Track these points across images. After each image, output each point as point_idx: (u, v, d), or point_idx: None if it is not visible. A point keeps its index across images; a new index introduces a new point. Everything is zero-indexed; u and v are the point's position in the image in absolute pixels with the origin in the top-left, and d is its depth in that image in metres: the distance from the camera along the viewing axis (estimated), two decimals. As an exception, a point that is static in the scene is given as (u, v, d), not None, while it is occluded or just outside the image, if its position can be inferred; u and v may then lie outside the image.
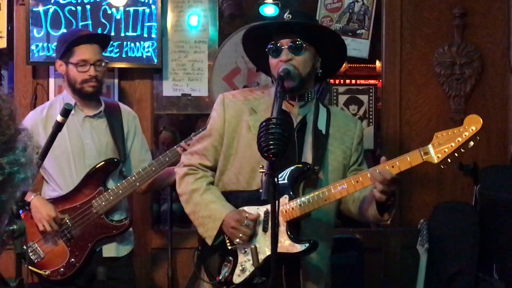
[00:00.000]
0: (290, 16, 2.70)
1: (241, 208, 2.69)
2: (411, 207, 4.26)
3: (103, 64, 3.36)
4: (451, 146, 2.52)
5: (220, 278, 2.66)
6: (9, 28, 4.11)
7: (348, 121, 2.89)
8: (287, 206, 2.60)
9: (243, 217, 2.63)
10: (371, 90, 4.38)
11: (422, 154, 2.53)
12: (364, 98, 4.35)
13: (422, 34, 4.28)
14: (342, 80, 5.55)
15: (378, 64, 5.47)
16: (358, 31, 4.30)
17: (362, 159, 2.85)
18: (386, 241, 4.23)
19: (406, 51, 4.27)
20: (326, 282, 2.81)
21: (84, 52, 3.33)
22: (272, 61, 2.70)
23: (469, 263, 3.81)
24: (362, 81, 6.10)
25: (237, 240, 2.64)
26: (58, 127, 2.61)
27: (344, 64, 6.17)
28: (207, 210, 2.72)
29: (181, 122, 5.37)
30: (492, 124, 4.26)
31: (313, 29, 2.77)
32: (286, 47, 2.66)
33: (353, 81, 5.70)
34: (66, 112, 2.62)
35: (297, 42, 2.66)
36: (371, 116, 4.33)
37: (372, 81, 5.25)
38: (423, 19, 4.27)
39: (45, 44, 3.96)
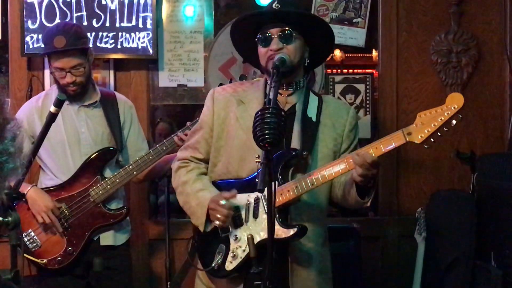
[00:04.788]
0: (279, 6, 2.69)
1: (223, 191, 2.70)
2: (409, 196, 4.26)
3: (81, 68, 3.32)
4: (434, 125, 2.52)
5: (213, 265, 2.68)
6: (3, 20, 4.09)
7: (340, 108, 2.87)
8: (277, 191, 2.58)
9: (221, 197, 2.65)
10: (367, 79, 4.37)
11: (405, 134, 2.53)
12: (360, 87, 4.34)
13: (419, 22, 4.26)
14: (338, 70, 5.53)
15: (374, 53, 5.45)
16: (355, 20, 4.28)
17: (354, 146, 2.82)
18: (383, 230, 4.23)
19: (402, 39, 4.25)
20: (319, 268, 2.79)
21: (59, 61, 3.31)
22: (262, 50, 2.70)
23: (466, 251, 3.81)
24: (359, 71, 6.08)
25: (217, 222, 2.65)
26: (52, 117, 2.61)
27: (340, 54, 6.22)
28: (196, 199, 2.75)
29: (178, 113, 5.35)
30: (489, 112, 4.26)
31: (302, 17, 2.76)
32: (276, 36, 2.66)
33: (350, 71, 5.67)
34: (59, 103, 2.61)
35: (287, 31, 2.67)
36: (368, 105, 4.32)
37: (368, 71, 5.23)
38: (419, 7, 4.25)
39: (40, 36, 3.93)
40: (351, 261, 3.79)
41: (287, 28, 2.66)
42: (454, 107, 2.52)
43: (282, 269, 2.67)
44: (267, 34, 2.68)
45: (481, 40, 4.25)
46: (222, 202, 2.63)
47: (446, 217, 3.96)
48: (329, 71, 4.51)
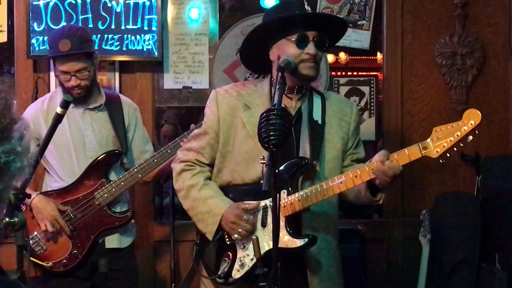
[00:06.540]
0: (309, 9, 2.68)
1: (240, 202, 2.67)
2: (413, 198, 4.25)
3: (85, 72, 3.32)
4: (450, 140, 2.53)
5: (219, 273, 2.66)
6: (10, 22, 4.11)
7: (344, 105, 2.86)
8: (286, 200, 2.58)
9: (242, 211, 2.62)
10: (372, 81, 4.37)
11: (421, 148, 2.55)
12: (365, 89, 4.34)
13: (423, 24, 4.26)
14: (343, 72, 5.53)
15: (379, 56, 5.45)
16: (359, 22, 4.29)
17: (358, 141, 2.84)
18: (388, 232, 4.23)
19: (407, 41, 4.25)
20: (336, 272, 2.81)
21: (64, 65, 3.31)
22: (294, 51, 2.62)
23: (471, 253, 3.80)
24: (364, 73, 6.08)
25: (236, 235, 2.63)
26: (58, 119, 2.61)
27: (345, 56, 6.21)
28: (206, 206, 2.69)
29: (183, 115, 5.35)
30: (494, 114, 4.25)
31: (336, 24, 2.77)
32: (311, 40, 2.63)
33: (355, 73, 5.67)
34: (65, 104, 2.62)
35: (323, 38, 2.66)
36: (372, 107, 4.32)
37: (373, 73, 5.22)
38: (424, 9, 4.25)
39: (46, 38, 3.93)
40: (356, 263, 3.78)
41: (323, 35, 2.65)
42: (471, 123, 2.53)
43: (299, 277, 2.67)
44: (305, 37, 2.62)
45: (486, 42, 4.25)
46: (246, 217, 2.61)
47: (451, 220, 3.96)
48: (333, 73, 4.50)
